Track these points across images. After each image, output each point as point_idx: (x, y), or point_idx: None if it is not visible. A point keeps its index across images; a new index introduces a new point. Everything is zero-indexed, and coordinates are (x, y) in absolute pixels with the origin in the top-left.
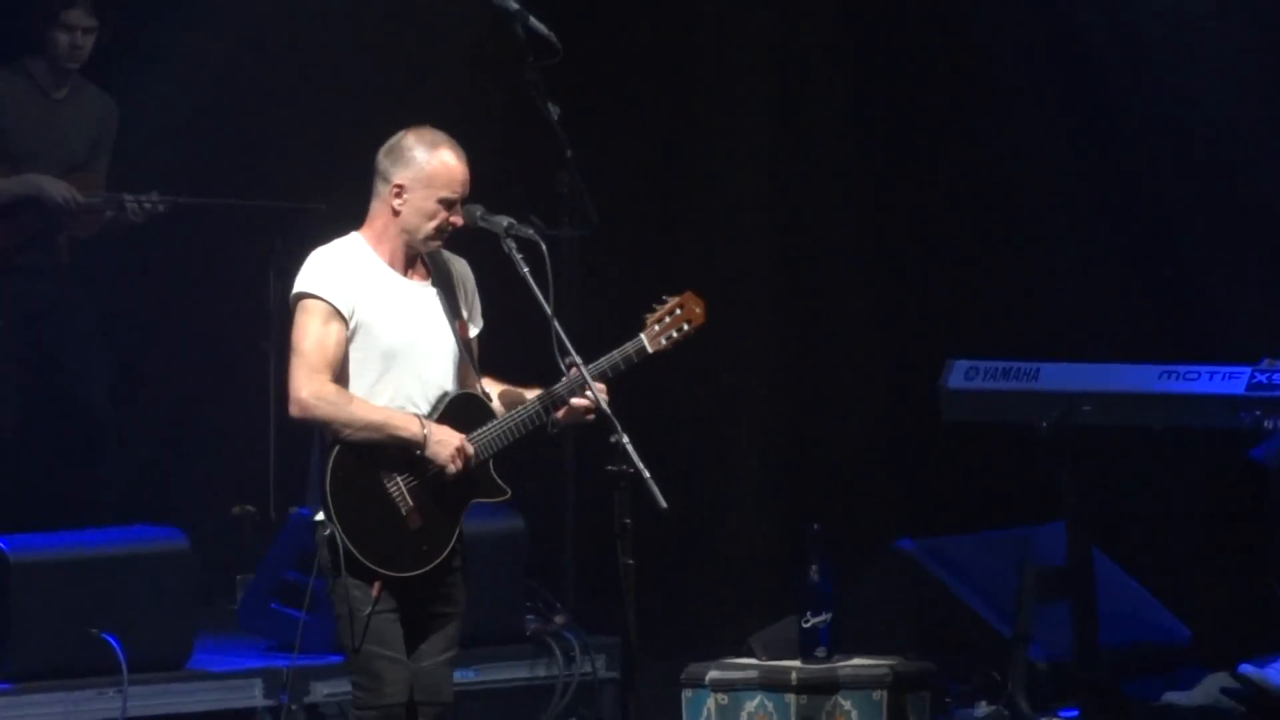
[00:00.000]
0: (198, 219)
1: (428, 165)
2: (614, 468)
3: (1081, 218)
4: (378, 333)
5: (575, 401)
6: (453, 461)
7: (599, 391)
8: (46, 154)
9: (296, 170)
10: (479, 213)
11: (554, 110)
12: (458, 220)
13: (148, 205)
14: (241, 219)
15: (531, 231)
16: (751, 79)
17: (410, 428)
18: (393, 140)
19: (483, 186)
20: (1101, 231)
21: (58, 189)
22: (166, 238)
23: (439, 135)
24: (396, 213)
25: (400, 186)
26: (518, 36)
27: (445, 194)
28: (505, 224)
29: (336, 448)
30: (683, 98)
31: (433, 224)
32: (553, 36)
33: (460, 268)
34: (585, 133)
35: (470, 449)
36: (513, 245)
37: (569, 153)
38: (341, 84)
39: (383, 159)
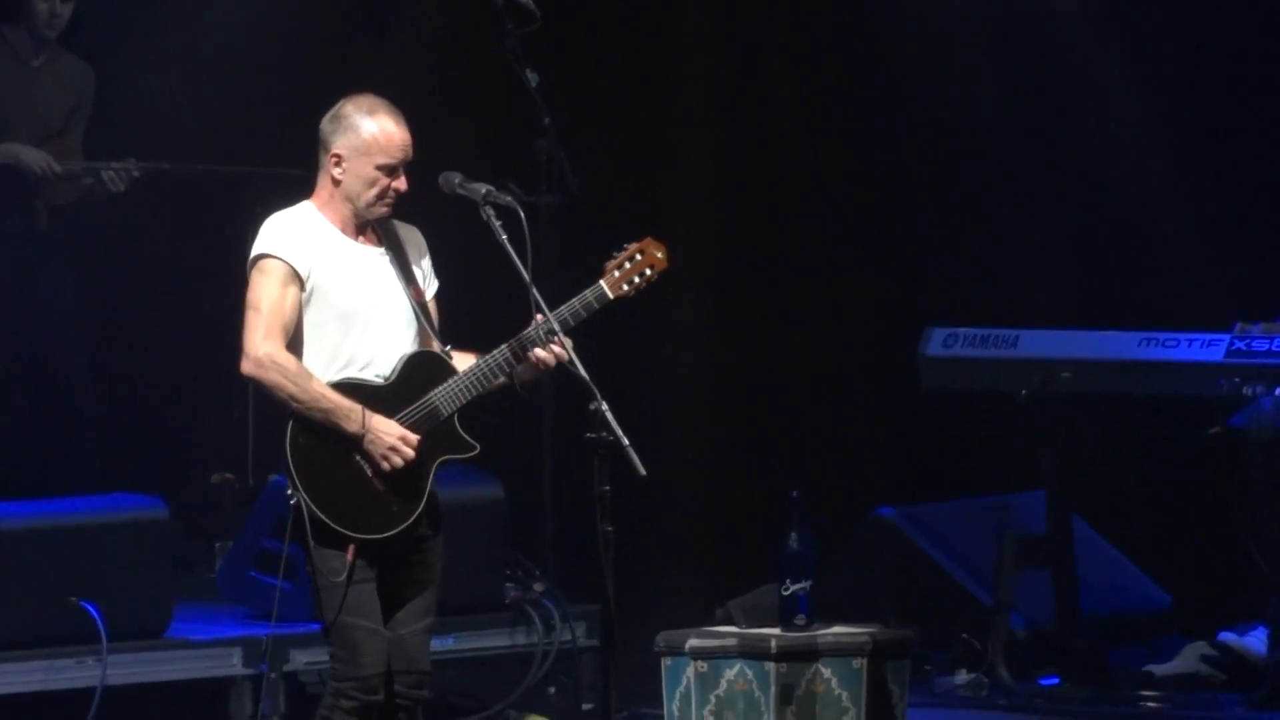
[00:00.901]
0: (175, 186)
1: (365, 132)
2: (593, 435)
3: (1057, 185)
4: (334, 297)
5: (538, 353)
6: (387, 459)
7: (559, 351)
8: (24, 122)
9: (273, 136)
10: (457, 180)
11: (532, 78)
12: (400, 185)
13: (125, 173)
14: (218, 186)
15: (510, 199)
16: (731, 46)
17: (350, 421)
18: (333, 109)
19: (461, 153)
20: (1077, 199)
21: (35, 157)
22: (144, 205)
23: (378, 102)
24: (337, 181)
25: (339, 155)
26: (496, 3)
27: (383, 159)
28: (483, 191)
29: (294, 414)
30: (661, 65)
31: (373, 190)
32: (531, 4)
33: (411, 234)
34: (564, 99)
35: (412, 439)
36: (491, 213)
37: (547, 120)
38: (319, 50)
39: (324, 127)
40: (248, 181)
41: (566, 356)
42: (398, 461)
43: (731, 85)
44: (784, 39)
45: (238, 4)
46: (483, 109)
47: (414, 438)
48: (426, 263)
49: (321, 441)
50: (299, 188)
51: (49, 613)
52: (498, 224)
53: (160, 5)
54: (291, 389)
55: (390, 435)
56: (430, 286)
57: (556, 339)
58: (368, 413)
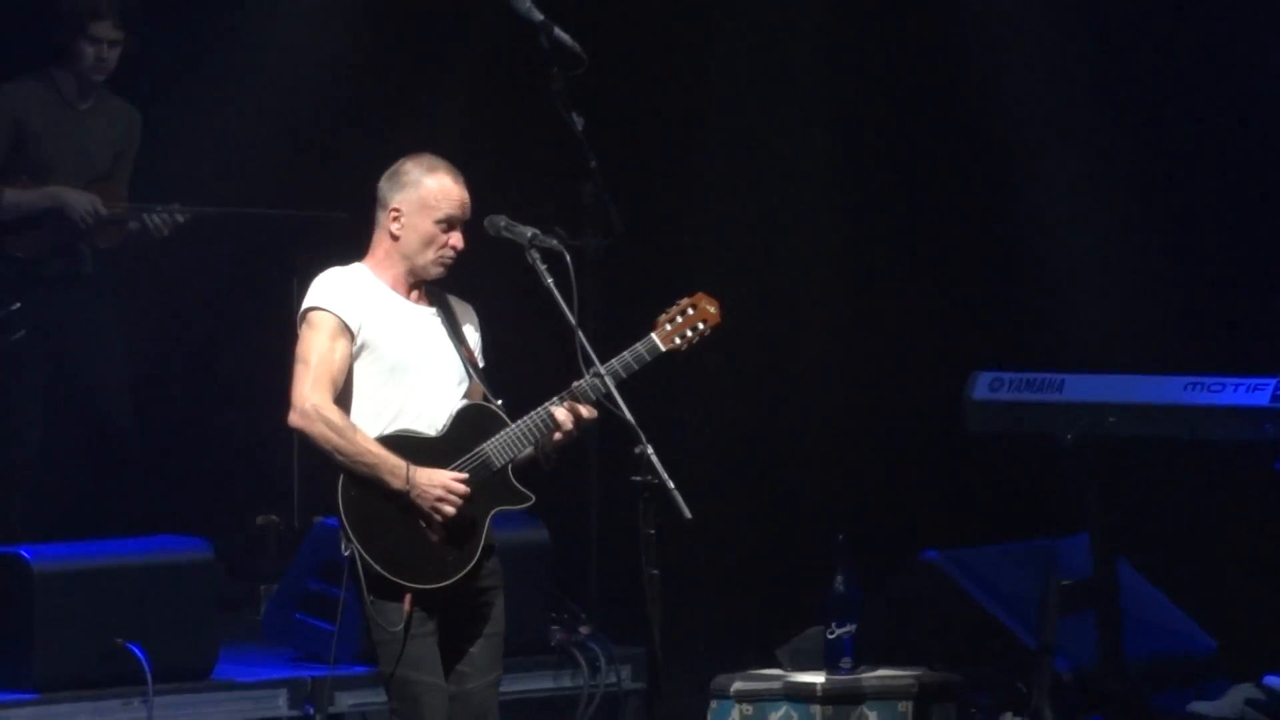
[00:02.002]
0: (220, 229)
1: (425, 188)
2: (638, 478)
3: (1106, 230)
4: (384, 350)
5: (558, 415)
6: (437, 510)
7: (587, 416)
8: (70, 165)
9: (319, 181)
10: (503, 223)
11: (578, 120)
12: (458, 243)
13: (169, 219)
14: (264, 229)
15: (555, 242)
16: (779, 88)
17: (395, 478)
18: (392, 167)
19: (506, 198)
20: (1127, 244)
21: (81, 200)
22: (189, 248)
23: (437, 160)
24: (395, 237)
25: (398, 210)
26: (543, 47)
27: (442, 214)
28: (529, 235)
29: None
30: (709, 105)
31: (431, 248)
32: (577, 47)
33: (464, 307)
34: (608, 142)
35: (458, 486)
36: (537, 256)
37: (593, 163)
38: (365, 94)
39: (382, 185)
40: (293, 225)
41: (594, 415)
42: (448, 510)
43: (778, 133)
44: (839, 82)
45: (285, 50)
46: (529, 152)
47: (460, 486)
48: (477, 335)
49: (374, 492)
50: (344, 232)
51: (95, 654)
52: (543, 267)
53: (208, 50)
54: (337, 441)
55: (435, 487)
56: (480, 360)
57: (581, 406)
58: (412, 467)
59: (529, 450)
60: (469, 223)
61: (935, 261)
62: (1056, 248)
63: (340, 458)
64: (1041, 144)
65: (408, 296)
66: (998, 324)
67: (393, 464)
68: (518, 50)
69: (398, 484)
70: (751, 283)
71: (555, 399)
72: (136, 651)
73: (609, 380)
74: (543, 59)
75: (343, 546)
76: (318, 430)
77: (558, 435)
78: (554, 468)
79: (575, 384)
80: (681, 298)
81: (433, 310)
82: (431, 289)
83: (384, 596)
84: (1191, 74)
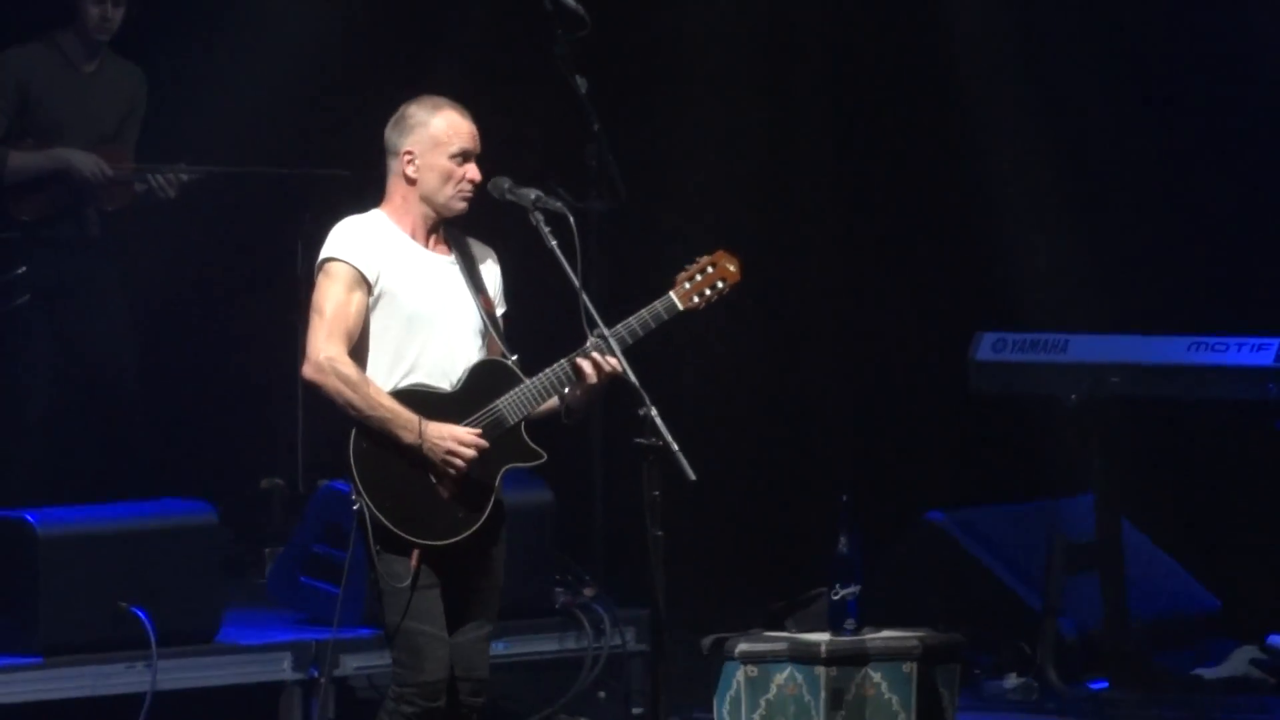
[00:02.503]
0: (226, 190)
1: (434, 126)
2: (642, 440)
3: (1110, 191)
4: (401, 300)
5: (584, 366)
6: (448, 463)
7: (613, 365)
8: (76, 128)
9: (324, 140)
10: (506, 185)
11: (582, 83)
12: (475, 175)
13: (175, 180)
14: (270, 190)
15: (559, 204)
16: (781, 54)
17: (407, 432)
18: (395, 114)
19: (510, 160)
20: (1129, 205)
21: (87, 163)
22: (194, 210)
23: (439, 98)
24: (412, 181)
25: (410, 153)
26: (546, 9)
27: (455, 148)
28: (533, 197)
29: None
30: (684, 71)
31: (450, 182)
32: (581, 9)
33: (483, 251)
34: (614, 106)
35: (469, 438)
36: (540, 218)
37: (597, 126)
38: (369, 55)
39: (389, 133)
40: (298, 184)
41: (620, 368)
42: (459, 464)
43: (784, 99)
44: (845, 44)
45: (288, 10)
46: (533, 115)
47: (471, 438)
48: (498, 278)
49: (385, 447)
50: (348, 190)
51: (99, 618)
52: (547, 230)
53: (211, 10)
54: (350, 395)
55: (445, 440)
56: (500, 305)
57: (611, 350)
58: (424, 422)
59: (552, 401)
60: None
61: (941, 221)
62: (1060, 206)
63: (353, 412)
64: (1051, 104)
65: (426, 244)
66: (1002, 284)
67: (405, 418)
68: (522, 12)
69: (410, 438)
70: (754, 246)
71: (566, 359)
72: (141, 615)
73: (613, 342)
74: (546, 21)
75: (353, 500)
76: (331, 384)
77: (581, 389)
78: (575, 421)
79: (586, 344)
80: (700, 256)
81: (451, 258)
82: (451, 232)
83: (391, 550)
84: (1186, 35)
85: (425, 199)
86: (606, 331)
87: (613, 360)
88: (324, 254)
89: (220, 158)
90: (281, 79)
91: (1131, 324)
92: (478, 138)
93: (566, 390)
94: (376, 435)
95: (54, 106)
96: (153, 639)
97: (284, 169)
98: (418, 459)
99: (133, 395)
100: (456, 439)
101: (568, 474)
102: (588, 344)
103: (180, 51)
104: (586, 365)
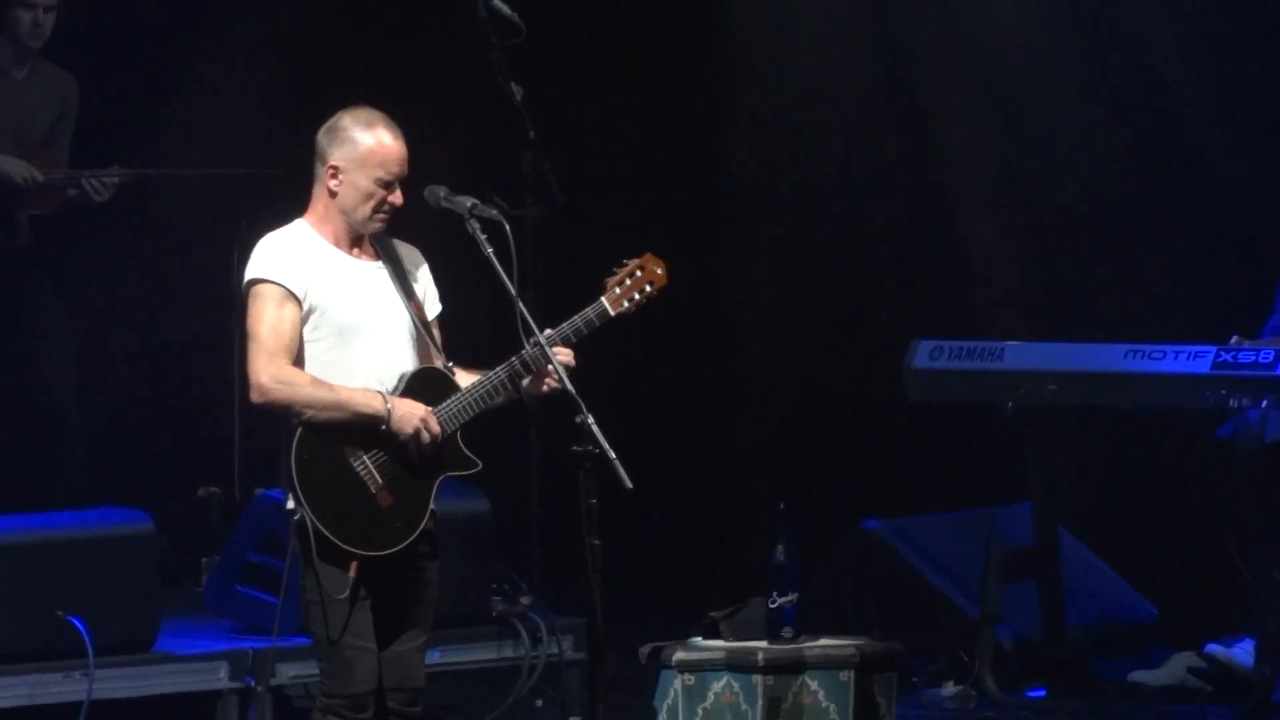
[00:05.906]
0: (160, 194)
1: (363, 145)
2: (579, 448)
3: (1042, 198)
4: (332, 312)
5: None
6: (418, 435)
7: (563, 360)
8: (8, 134)
9: (257, 142)
10: (442, 193)
11: (518, 91)
12: (396, 200)
13: (109, 181)
14: (204, 193)
15: (495, 212)
16: (725, 53)
17: (373, 404)
18: (330, 121)
19: (447, 167)
20: (1061, 211)
21: (17, 169)
22: (129, 218)
23: (375, 115)
24: (334, 194)
25: (336, 167)
26: (480, 17)
27: (381, 174)
28: (469, 205)
29: (300, 430)
30: (645, 72)
31: (369, 204)
32: (515, 17)
33: (410, 252)
34: (550, 112)
35: (434, 421)
36: (476, 226)
37: (533, 133)
38: (303, 60)
39: (320, 139)
40: (233, 186)
41: (572, 365)
42: (425, 439)
43: (719, 101)
44: (784, 44)
45: (219, 13)
46: (468, 123)
47: (435, 421)
48: (427, 280)
49: (326, 458)
50: (281, 189)
51: (35, 627)
52: (483, 237)
53: (142, 15)
54: (305, 396)
55: (414, 417)
56: (432, 307)
57: (559, 350)
58: (389, 396)
59: (500, 400)
60: (408, 189)
61: (875, 230)
62: (995, 214)
63: (311, 412)
64: (977, 108)
65: (350, 252)
66: (937, 292)
67: (366, 396)
68: (458, 18)
69: (375, 409)
70: (691, 252)
71: (500, 368)
72: (77, 624)
73: (549, 351)
74: (481, 29)
75: (291, 509)
76: (282, 395)
77: (546, 384)
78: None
79: (523, 351)
80: (628, 260)
81: (379, 264)
82: (376, 236)
83: (329, 561)
84: (1127, 44)
85: (344, 214)
86: (543, 339)
87: (558, 366)
88: (249, 275)
89: (152, 161)
90: (212, 81)
91: (1068, 331)
92: (406, 162)
93: (526, 383)
94: (318, 446)
95: None
96: (90, 648)
97: (216, 170)
98: (372, 447)
99: (68, 403)
100: (423, 417)
101: (505, 482)
102: (524, 351)
103: (111, 56)
104: (539, 381)
